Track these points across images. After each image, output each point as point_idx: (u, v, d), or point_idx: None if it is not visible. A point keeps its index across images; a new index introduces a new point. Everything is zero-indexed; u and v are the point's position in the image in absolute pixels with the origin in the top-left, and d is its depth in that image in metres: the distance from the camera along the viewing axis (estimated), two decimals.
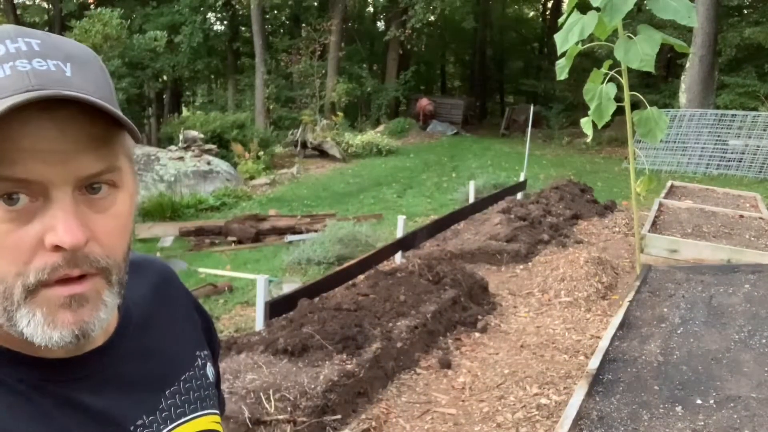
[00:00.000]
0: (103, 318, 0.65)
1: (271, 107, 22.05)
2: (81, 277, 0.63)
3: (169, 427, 0.77)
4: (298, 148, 16.60)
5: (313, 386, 3.35)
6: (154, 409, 0.76)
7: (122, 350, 0.75)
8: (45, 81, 0.60)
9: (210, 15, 25.44)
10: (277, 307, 4.36)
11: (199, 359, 0.86)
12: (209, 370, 0.88)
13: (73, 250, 0.61)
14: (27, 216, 0.60)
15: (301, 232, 8.91)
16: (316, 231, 8.51)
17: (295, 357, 3.64)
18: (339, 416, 3.31)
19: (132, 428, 0.73)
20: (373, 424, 3.38)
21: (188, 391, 0.81)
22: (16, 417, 0.63)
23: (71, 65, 0.63)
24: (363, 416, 3.44)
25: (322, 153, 16.42)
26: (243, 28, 27.02)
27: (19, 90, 0.58)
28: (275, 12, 27.02)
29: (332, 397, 3.35)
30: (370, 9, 31.00)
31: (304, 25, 22.87)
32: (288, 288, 5.57)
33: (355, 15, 28.83)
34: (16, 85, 0.59)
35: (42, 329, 0.62)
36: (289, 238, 8.78)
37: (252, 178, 13.70)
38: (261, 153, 14.66)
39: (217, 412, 0.86)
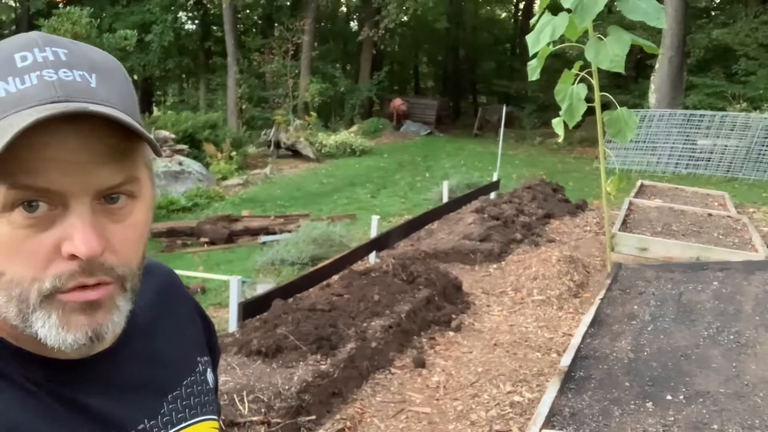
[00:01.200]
0: (116, 321, 0.66)
1: (243, 107, 21.90)
2: (96, 285, 0.64)
3: (170, 431, 0.77)
4: (272, 148, 16.52)
5: (287, 387, 3.34)
6: (155, 414, 0.77)
7: (127, 354, 0.75)
8: (70, 92, 0.60)
9: (181, 14, 25.20)
10: (250, 308, 4.33)
11: (200, 365, 0.87)
12: (209, 375, 0.88)
13: (90, 260, 0.61)
14: (45, 223, 0.61)
15: (274, 233, 8.86)
16: (289, 231, 8.48)
17: (269, 358, 3.62)
18: (313, 417, 3.30)
19: None
20: (348, 424, 3.38)
21: (189, 396, 0.82)
22: (26, 415, 0.64)
23: (96, 76, 0.63)
24: (338, 416, 3.44)
25: (295, 153, 16.36)
26: (215, 27, 26.78)
27: (45, 100, 0.59)
28: (247, 11, 26.85)
29: (307, 397, 3.34)
30: (344, 9, 30.97)
31: (276, 24, 22.75)
32: (262, 289, 5.54)
33: (328, 15, 28.77)
34: (42, 95, 0.59)
35: (56, 331, 0.63)
36: (263, 238, 8.73)
37: (224, 178, 13.59)
38: (233, 153, 14.55)
39: (216, 417, 0.86)
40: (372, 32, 22.25)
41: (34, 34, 0.64)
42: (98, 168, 0.61)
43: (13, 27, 26.57)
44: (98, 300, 0.64)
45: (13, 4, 27.94)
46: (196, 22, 26.67)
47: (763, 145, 12.99)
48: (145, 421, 0.75)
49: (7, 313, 0.63)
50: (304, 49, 21.61)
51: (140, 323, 0.78)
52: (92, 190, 0.62)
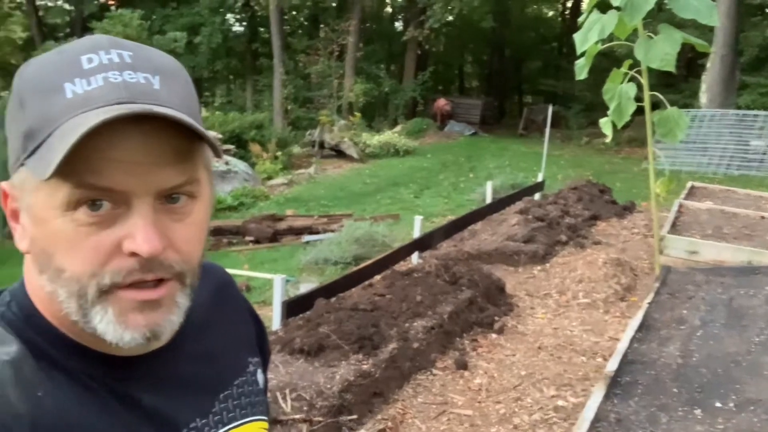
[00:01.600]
0: (174, 321, 0.67)
1: (289, 107, 22.12)
2: (156, 282, 0.65)
3: (220, 431, 0.78)
4: (316, 148, 16.64)
5: (329, 386, 3.36)
6: (206, 413, 0.78)
7: (181, 352, 0.76)
8: (134, 93, 0.62)
9: (229, 16, 25.61)
10: (293, 307, 4.37)
11: (251, 365, 0.88)
12: (259, 376, 0.89)
13: (150, 258, 0.62)
14: (108, 221, 0.62)
15: (318, 232, 8.93)
16: (333, 231, 8.52)
17: (311, 357, 3.65)
18: (355, 416, 3.32)
19: (185, 430, 0.74)
20: (389, 424, 3.38)
21: (240, 396, 0.83)
22: (84, 410, 0.65)
23: (159, 78, 0.65)
24: (379, 416, 3.45)
25: (339, 153, 16.45)
26: (262, 29, 27.14)
27: (110, 101, 0.60)
28: (294, 13, 27.13)
29: (348, 397, 3.36)
30: (389, 9, 31.02)
31: (322, 25, 22.91)
32: (305, 288, 5.59)
33: (373, 15, 28.85)
34: (108, 97, 0.61)
35: (114, 327, 0.64)
36: (306, 238, 8.80)
37: (270, 178, 13.75)
38: (279, 153, 14.72)
39: (265, 418, 0.87)
40: (417, 32, 22.22)
41: (100, 36, 0.66)
42: (161, 169, 0.62)
43: (67, 30, 27.39)
44: (158, 299, 0.65)
45: (67, 8, 28.81)
46: (244, 24, 27.07)
47: None
48: (197, 419, 0.76)
49: (68, 308, 0.64)
50: (349, 50, 21.72)
51: (195, 322, 0.78)
52: (154, 190, 0.63)
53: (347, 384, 3.40)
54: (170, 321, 0.66)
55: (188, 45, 21.07)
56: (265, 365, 0.94)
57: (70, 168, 0.59)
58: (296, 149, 16.71)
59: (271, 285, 4.19)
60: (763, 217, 7.02)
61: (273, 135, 15.73)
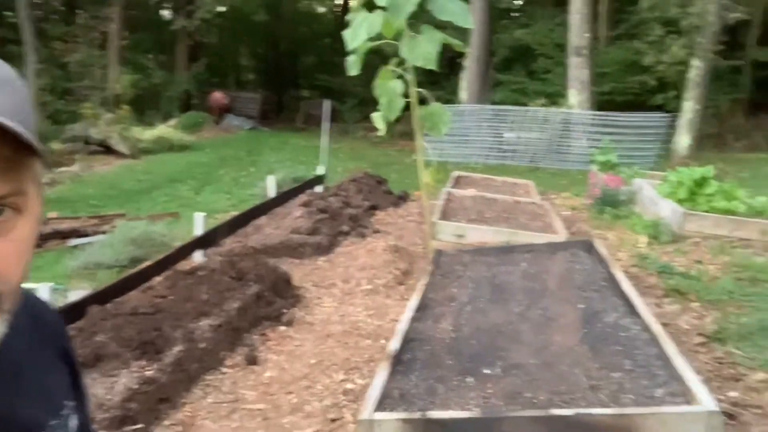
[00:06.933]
0: None
1: (46, 100, 20.11)
2: None
3: None
4: (80, 143, 15.40)
5: (109, 397, 3.16)
6: None
7: None
8: None
9: None
10: (63, 317, 4.03)
11: (65, 408, 0.81)
12: (72, 421, 0.82)
13: None
14: None
15: (87, 235, 8.28)
16: (104, 232, 7.96)
17: (87, 368, 3.39)
18: (141, 425, 3.16)
19: None
20: (180, 428, 3.27)
21: None
22: None
23: None
24: (167, 422, 3.31)
25: (107, 149, 15.40)
26: (9, 13, 24.30)
27: None
28: None
29: (132, 406, 3.18)
30: None
31: (79, 11, 21.12)
32: (75, 295, 5.16)
33: (138, 2, 27.20)
34: None
35: None
36: (74, 241, 8.12)
37: None
38: None
39: None
40: (186, 22, 21.41)
41: None
42: None
43: None
44: None
45: None
46: None
47: (561, 137, 14.33)
48: None
49: None
50: (112, 38, 20.30)
51: (9, 356, 0.71)
52: None
53: (130, 393, 3.23)
54: None
55: None
56: (83, 406, 0.89)
57: None
58: (57, 145, 15.29)
59: None
60: (517, 202, 7.87)
61: None
